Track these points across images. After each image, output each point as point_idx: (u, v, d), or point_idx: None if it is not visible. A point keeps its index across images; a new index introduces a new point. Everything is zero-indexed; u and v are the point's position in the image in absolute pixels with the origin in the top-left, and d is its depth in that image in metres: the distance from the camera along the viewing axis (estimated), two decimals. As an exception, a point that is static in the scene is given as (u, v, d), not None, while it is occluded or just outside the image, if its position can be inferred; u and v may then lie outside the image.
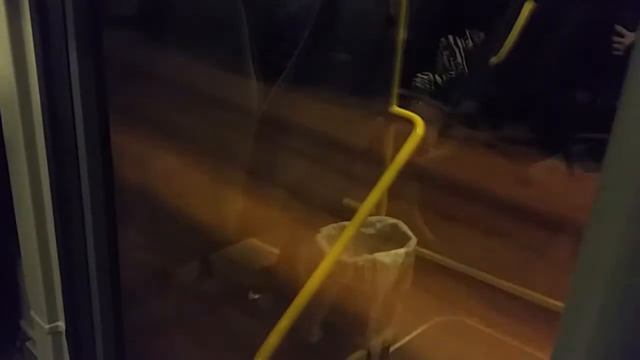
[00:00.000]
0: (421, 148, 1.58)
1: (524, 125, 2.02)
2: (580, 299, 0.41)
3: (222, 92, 1.48)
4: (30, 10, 1.02)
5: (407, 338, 1.67)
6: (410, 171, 1.53)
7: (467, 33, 2.51)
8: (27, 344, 1.44)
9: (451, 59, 2.51)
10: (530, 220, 1.79)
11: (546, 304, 1.69)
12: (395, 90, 1.76)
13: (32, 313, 1.30)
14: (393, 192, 1.66)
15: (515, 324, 1.67)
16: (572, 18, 2.13)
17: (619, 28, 2.05)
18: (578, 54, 2.11)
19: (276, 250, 1.86)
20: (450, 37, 2.51)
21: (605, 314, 0.39)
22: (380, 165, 1.70)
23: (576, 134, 2.06)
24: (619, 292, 0.38)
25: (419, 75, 2.51)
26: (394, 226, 1.59)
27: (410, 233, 1.54)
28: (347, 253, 1.40)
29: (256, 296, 1.77)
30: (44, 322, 1.27)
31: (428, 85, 2.51)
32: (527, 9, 2.11)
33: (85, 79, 1.03)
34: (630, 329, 0.39)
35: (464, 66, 2.51)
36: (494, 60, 2.20)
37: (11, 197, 1.25)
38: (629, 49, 2.04)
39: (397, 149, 1.51)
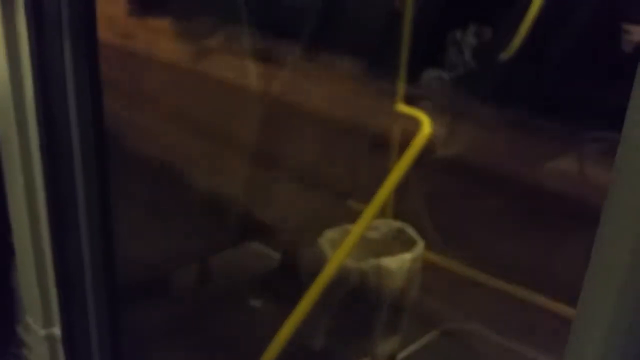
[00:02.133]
0: (428, 148, 1.55)
1: (535, 123, 2.00)
2: (592, 303, 0.40)
3: (222, 76, 1.47)
4: (25, 9, 1.01)
5: (414, 346, 1.65)
6: (417, 172, 1.49)
7: (475, 28, 2.48)
8: (23, 349, 1.43)
9: (459, 54, 2.47)
10: (541, 223, 1.77)
11: (557, 310, 1.66)
12: (402, 87, 1.73)
13: (28, 318, 1.30)
14: (399, 194, 1.63)
15: (526, 330, 1.64)
16: (582, 13, 2.12)
17: (625, 26, 2.05)
18: (588, 50, 2.10)
19: (278, 254, 1.84)
20: (458, 33, 2.48)
21: (618, 319, 0.39)
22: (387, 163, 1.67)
23: (588, 132, 2.04)
24: (632, 296, 0.38)
25: (427, 71, 2.48)
26: (400, 230, 1.57)
27: (417, 237, 1.51)
28: (351, 258, 1.38)
29: (257, 302, 1.74)
30: (40, 327, 1.26)
31: (435, 82, 2.48)
32: (536, 4, 2.08)
33: (80, 78, 1.02)
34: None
35: (472, 62, 2.47)
36: (503, 56, 2.18)
37: (6, 201, 1.23)
38: (639, 45, 2.04)
39: (403, 147, 1.48)
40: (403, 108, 1.72)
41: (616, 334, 0.39)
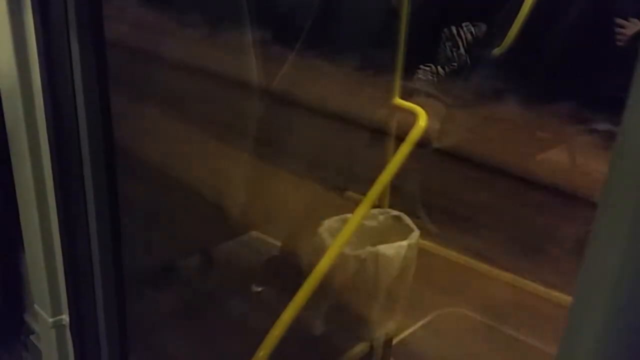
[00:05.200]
0: (424, 140, 1.58)
1: (528, 116, 2.02)
2: (587, 297, 0.40)
3: (225, 71, 1.48)
4: (32, 5, 1.02)
5: (410, 330, 1.68)
6: (413, 163, 1.52)
7: (470, 24, 2.50)
8: (32, 337, 1.44)
9: (454, 50, 2.50)
10: (532, 211, 1.79)
11: (549, 296, 1.69)
12: (398, 82, 1.76)
13: (36, 307, 1.31)
14: (396, 184, 1.66)
15: (518, 316, 1.67)
16: (575, 9, 2.13)
17: (619, 20, 2.05)
18: (581, 45, 2.11)
19: (279, 243, 1.86)
20: (453, 28, 2.50)
21: (614, 311, 0.39)
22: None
23: (582, 125, 2.06)
24: (627, 289, 0.38)
25: (422, 66, 2.51)
26: (397, 218, 1.59)
27: (412, 225, 1.54)
28: (349, 246, 1.40)
29: (259, 289, 1.77)
30: (48, 315, 1.27)
31: (431, 77, 2.50)
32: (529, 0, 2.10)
33: (87, 69, 1.02)
34: (638, 327, 0.39)
35: (466, 57, 2.50)
36: (496, 51, 2.20)
37: (14, 190, 1.25)
38: (632, 39, 2.05)
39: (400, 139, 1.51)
40: (400, 102, 1.74)
41: (613, 323, 0.39)
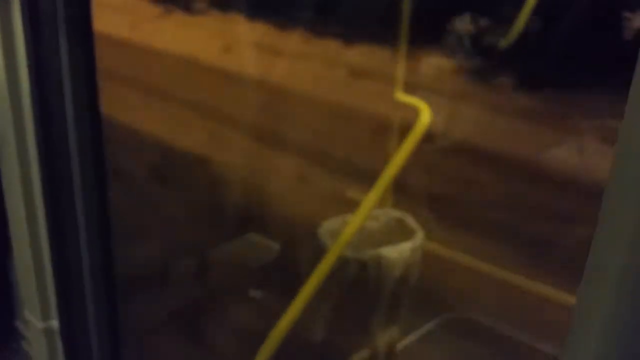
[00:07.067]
0: (428, 136, 1.54)
1: (534, 109, 1.99)
2: (590, 299, 0.41)
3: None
4: (21, 3, 1.01)
5: (413, 336, 1.65)
6: (416, 161, 1.48)
7: (474, 16, 2.48)
8: (22, 343, 1.44)
9: (459, 42, 2.47)
10: (536, 212, 1.77)
11: (557, 298, 1.66)
12: (401, 75, 1.72)
13: (26, 312, 1.31)
14: (398, 183, 1.62)
15: (527, 320, 1.64)
16: (582, 1, 2.12)
17: (626, 14, 2.06)
18: (587, 37, 2.10)
19: (277, 245, 1.84)
20: (457, 20, 2.47)
21: (617, 314, 0.39)
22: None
23: (588, 119, 2.04)
24: (630, 291, 0.38)
25: (426, 59, 2.47)
26: (400, 219, 1.56)
27: (416, 226, 1.51)
28: (350, 248, 1.37)
29: (257, 293, 1.75)
30: (38, 321, 1.27)
31: (435, 70, 2.47)
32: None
33: (76, 72, 1.02)
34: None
35: (472, 50, 2.47)
36: (502, 43, 2.17)
37: (3, 196, 1.24)
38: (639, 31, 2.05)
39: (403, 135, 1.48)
40: (402, 96, 1.71)
41: (616, 322, 0.39)
